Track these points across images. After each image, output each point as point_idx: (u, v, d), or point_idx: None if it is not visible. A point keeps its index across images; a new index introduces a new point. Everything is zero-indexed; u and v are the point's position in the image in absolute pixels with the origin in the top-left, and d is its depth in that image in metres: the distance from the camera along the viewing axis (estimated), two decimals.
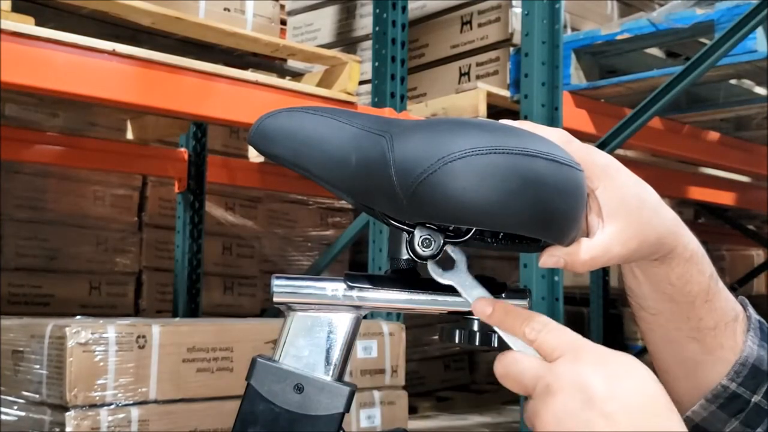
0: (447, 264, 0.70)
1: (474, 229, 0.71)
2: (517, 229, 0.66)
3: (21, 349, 1.95)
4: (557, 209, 0.65)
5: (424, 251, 0.70)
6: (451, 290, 0.71)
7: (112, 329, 1.86)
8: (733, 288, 5.27)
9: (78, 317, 2.12)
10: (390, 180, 0.66)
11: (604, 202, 0.71)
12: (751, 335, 0.77)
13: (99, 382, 1.83)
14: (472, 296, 0.69)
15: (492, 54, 2.78)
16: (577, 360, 0.63)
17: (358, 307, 0.72)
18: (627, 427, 0.60)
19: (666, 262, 0.74)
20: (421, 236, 0.69)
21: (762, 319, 0.80)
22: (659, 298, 0.77)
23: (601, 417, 0.61)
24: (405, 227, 0.70)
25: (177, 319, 3.03)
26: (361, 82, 2.65)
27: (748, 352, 0.76)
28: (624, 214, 0.71)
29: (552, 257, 0.70)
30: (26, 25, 1.83)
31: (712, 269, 0.76)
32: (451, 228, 0.71)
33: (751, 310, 0.79)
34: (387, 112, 2.53)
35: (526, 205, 0.64)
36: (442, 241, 0.70)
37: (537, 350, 0.66)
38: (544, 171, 0.65)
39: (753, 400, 0.76)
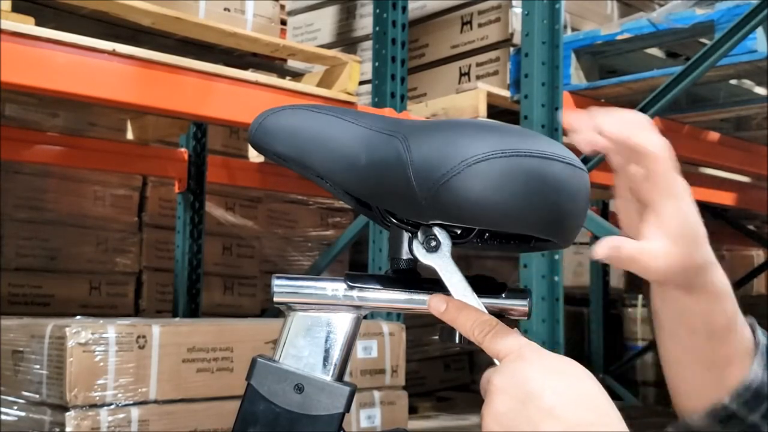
0: (432, 244, 0.70)
1: (477, 229, 0.71)
2: (533, 231, 0.66)
3: (21, 349, 1.95)
4: (570, 211, 0.67)
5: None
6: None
7: (112, 329, 1.86)
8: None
9: (78, 317, 2.12)
10: (407, 181, 0.66)
11: (668, 219, 0.70)
12: (758, 359, 0.78)
13: (99, 382, 1.82)
14: (451, 281, 0.70)
15: (492, 54, 2.78)
16: (519, 360, 0.64)
17: (358, 307, 0.72)
18: (567, 420, 0.61)
19: (695, 294, 0.74)
20: (425, 236, 0.69)
21: None
22: (680, 326, 0.77)
23: (541, 411, 0.61)
24: (408, 227, 0.70)
25: (177, 319, 3.03)
26: (361, 82, 2.65)
27: (753, 376, 0.77)
28: (681, 236, 0.71)
29: (622, 250, 0.70)
30: (26, 25, 1.83)
31: (735, 307, 0.77)
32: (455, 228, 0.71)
33: (759, 333, 0.80)
34: (387, 112, 2.53)
35: (545, 208, 0.65)
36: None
37: (486, 351, 0.67)
38: (561, 174, 0.66)
39: (749, 420, 0.77)
